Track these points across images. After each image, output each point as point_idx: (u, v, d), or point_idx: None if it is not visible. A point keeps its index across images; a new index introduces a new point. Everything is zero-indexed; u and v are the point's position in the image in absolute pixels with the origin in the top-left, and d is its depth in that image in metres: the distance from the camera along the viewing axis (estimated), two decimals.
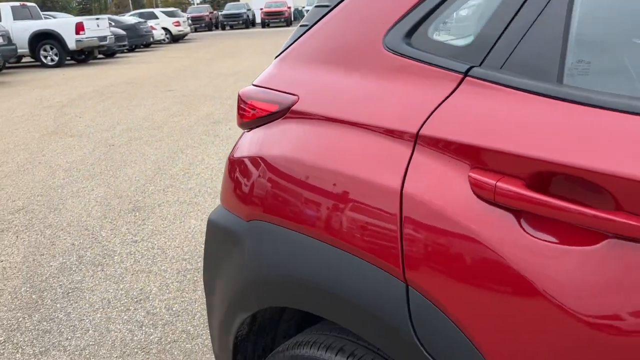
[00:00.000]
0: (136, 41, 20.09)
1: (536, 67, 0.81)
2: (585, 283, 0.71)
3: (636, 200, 0.67)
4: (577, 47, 0.80)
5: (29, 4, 16.06)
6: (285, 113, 1.14)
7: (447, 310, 0.84)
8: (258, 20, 36.25)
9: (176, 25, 25.02)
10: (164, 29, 24.47)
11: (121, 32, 18.09)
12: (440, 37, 0.95)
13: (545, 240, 0.75)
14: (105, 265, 2.98)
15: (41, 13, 16.72)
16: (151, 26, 21.99)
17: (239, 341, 1.28)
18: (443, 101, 0.88)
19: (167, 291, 2.66)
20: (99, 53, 16.75)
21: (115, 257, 3.06)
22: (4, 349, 2.27)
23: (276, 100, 1.16)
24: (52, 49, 14.95)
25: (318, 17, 1.17)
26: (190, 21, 30.59)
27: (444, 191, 0.84)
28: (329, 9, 1.15)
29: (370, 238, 0.93)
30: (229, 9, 36.80)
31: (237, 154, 1.25)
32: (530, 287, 0.75)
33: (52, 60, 15.01)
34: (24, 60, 16.40)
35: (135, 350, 2.21)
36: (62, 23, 15.11)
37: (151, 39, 21.64)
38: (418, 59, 0.95)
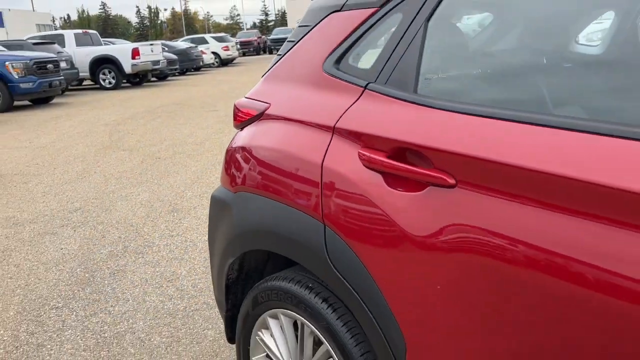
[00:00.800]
0: (187, 65, 21.25)
1: (403, 82, 1.27)
2: (418, 214, 1.15)
3: (443, 163, 1.11)
4: (425, 69, 1.25)
5: (90, 31, 17.39)
6: (261, 116, 1.62)
7: (347, 239, 1.29)
8: None
9: (225, 50, 26.21)
10: (214, 53, 25.69)
11: (173, 56, 19.24)
12: (355, 63, 1.42)
13: (398, 190, 1.19)
14: (145, 253, 3.52)
15: (101, 39, 18.04)
16: (201, 51, 23.19)
17: (230, 283, 1.75)
18: (351, 105, 1.35)
19: (195, 274, 3.16)
20: (153, 76, 17.88)
21: (154, 248, 3.61)
22: (62, 312, 2.81)
23: (256, 107, 1.65)
24: (110, 72, 16.12)
25: (287, 50, 1.66)
26: (239, 46, 31.86)
27: (346, 163, 1.30)
28: (293, 44, 1.63)
29: (305, 196, 1.39)
30: (277, 33, 38.04)
31: (231, 146, 1.74)
32: (390, 220, 1.20)
33: (109, 83, 16.17)
34: (84, 83, 17.67)
35: (165, 315, 2.71)
36: (119, 49, 16.28)
37: (201, 63, 22.81)
38: (341, 78, 1.41)
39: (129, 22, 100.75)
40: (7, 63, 11.35)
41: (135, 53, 15.83)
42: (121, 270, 3.28)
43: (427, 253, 1.13)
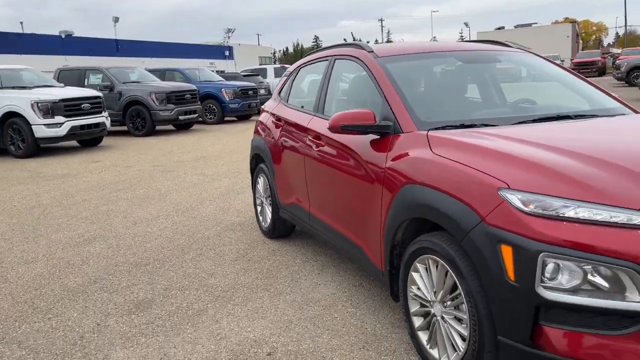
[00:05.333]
0: None
1: (285, 99, 4.34)
2: (277, 133, 4.21)
3: (283, 122, 4.17)
4: (291, 96, 4.31)
5: (286, 65, 22.17)
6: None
7: (264, 142, 4.39)
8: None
9: None
10: None
11: None
12: (282, 94, 4.52)
13: (275, 127, 4.27)
14: None
15: None
16: None
17: (252, 170, 4.94)
18: (276, 106, 4.47)
19: None
20: None
21: None
22: (220, 200, 6.25)
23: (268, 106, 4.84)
24: None
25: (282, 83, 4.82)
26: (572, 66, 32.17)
27: (269, 122, 4.43)
28: (283, 82, 4.78)
29: (264, 135, 4.53)
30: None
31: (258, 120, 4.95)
32: (273, 133, 4.28)
33: None
34: None
35: (250, 206, 5.99)
36: None
37: None
38: (278, 98, 4.53)
39: None
40: (222, 89, 16.15)
41: None
42: (242, 192, 6.68)
43: (281, 146, 4.19)
